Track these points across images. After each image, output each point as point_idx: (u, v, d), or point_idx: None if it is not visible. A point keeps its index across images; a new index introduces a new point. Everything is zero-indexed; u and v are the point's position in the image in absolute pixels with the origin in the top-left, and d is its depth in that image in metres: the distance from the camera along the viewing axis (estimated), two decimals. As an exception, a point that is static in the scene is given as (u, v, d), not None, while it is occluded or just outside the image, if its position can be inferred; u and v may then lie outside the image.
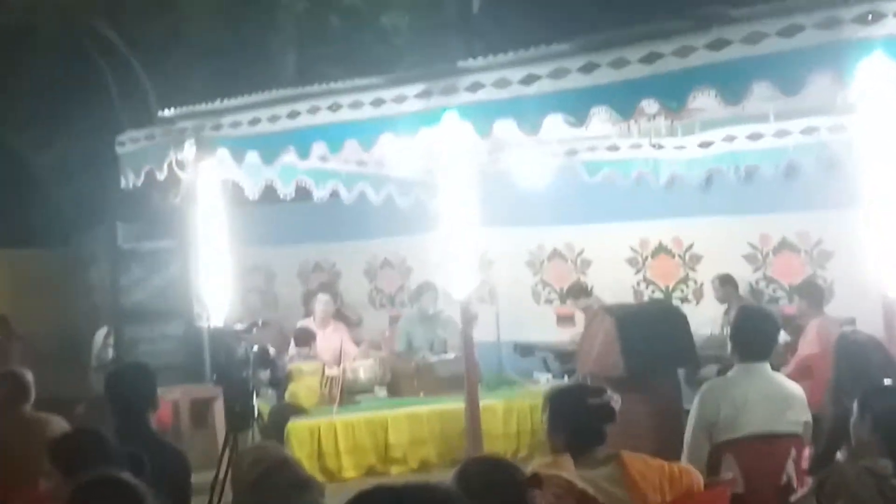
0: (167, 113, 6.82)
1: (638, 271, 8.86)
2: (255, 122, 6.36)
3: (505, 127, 5.40)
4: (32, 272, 11.08)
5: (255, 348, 6.27)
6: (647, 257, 8.80)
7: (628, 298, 8.64)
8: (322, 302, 8.38)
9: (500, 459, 2.86)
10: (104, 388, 4.17)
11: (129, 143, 7.18)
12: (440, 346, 8.19)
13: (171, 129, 6.81)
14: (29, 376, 4.90)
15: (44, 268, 11.22)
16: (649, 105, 5.07)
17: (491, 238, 9.02)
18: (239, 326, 6.46)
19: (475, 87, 5.42)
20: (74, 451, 3.22)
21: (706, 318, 7.80)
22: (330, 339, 8.24)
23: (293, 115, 6.16)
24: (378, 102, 5.77)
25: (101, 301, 9.96)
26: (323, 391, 7.23)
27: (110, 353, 9.25)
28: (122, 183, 7.22)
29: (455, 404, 6.81)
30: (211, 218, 6.88)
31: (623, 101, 4.96)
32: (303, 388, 7.02)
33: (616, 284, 8.80)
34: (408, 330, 8.40)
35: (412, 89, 5.65)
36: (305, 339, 7.63)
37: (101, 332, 9.50)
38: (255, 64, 11.67)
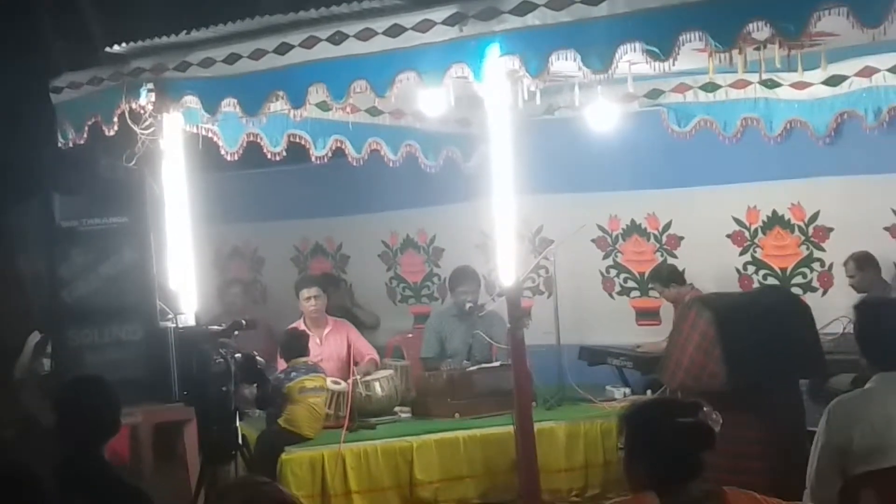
0: (117, 49, 6.91)
1: (745, 250, 8.85)
2: (232, 59, 6.43)
3: (565, 62, 5.43)
4: (-58, 259, 11.23)
5: (238, 356, 6.35)
6: (756, 231, 8.79)
7: (732, 286, 8.65)
8: (308, 297, 8.34)
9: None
10: (55, 409, 4.30)
11: (68, 88, 7.30)
12: (481, 351, 8.26)
13: (122, 70, 6.90)
14: None
15: (-43, 254, 11.38)
16: (758, 29, 5.06)
17: (547, 209, 9.12)
18: (216, 328, 6.54)
19: (524, 7, 5.45)
20: None
21: (837, 312, 7.78)
22: (330, 343, 8.30)
23: (283, 49, 6.22)
24: (395, 31, 5.82)
25: (34, 297, 10.08)
26: (327, 412, 7.32)
27: (45, 364, 9.36)
28: (60, 141, 7.34)
29: (501, 428, 6.89)
30: (176, 187, 6.98)
31: (722, 23, 4.97)
32: (304, 409, 7.10)
33: (715, 268, 8.81)
34: (438, 331, 8.49)
35: (440, 13, 5.69)
36: (294, 345, 7.60)
37: (33, 338, 9.63)
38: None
